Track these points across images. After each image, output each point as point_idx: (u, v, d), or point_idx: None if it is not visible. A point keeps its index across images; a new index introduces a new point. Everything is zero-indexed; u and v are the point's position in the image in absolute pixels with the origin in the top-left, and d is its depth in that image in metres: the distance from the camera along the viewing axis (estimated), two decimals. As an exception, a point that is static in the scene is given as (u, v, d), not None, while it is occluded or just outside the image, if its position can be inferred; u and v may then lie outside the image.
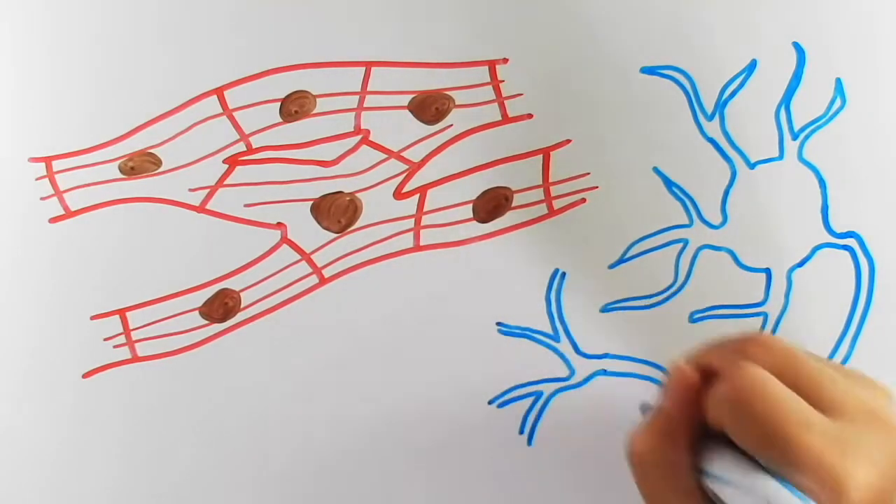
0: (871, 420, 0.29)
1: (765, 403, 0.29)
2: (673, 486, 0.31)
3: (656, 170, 0.37)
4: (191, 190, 0.36)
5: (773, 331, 0.39)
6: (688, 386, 0.31)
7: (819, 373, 0.30)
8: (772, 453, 0.28)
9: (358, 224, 0.37)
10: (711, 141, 0.37)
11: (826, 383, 0.30)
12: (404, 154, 0.37)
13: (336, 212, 0.37)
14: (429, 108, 0.36)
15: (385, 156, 0.36)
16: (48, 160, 0.35)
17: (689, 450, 0.31)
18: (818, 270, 0.38)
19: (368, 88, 0.36)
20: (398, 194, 0.37)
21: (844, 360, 0.39)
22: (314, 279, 0.37)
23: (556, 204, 0.37)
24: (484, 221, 0.37)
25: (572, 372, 0.39)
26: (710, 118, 0.37)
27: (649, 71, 0.36)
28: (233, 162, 0.36)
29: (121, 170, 0.36)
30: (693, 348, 0.33)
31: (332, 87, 0.36)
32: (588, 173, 0.37)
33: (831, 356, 0.39)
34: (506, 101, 0.36)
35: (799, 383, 0.30)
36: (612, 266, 0.38)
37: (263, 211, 0.36)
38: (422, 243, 0.37)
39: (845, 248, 0.38)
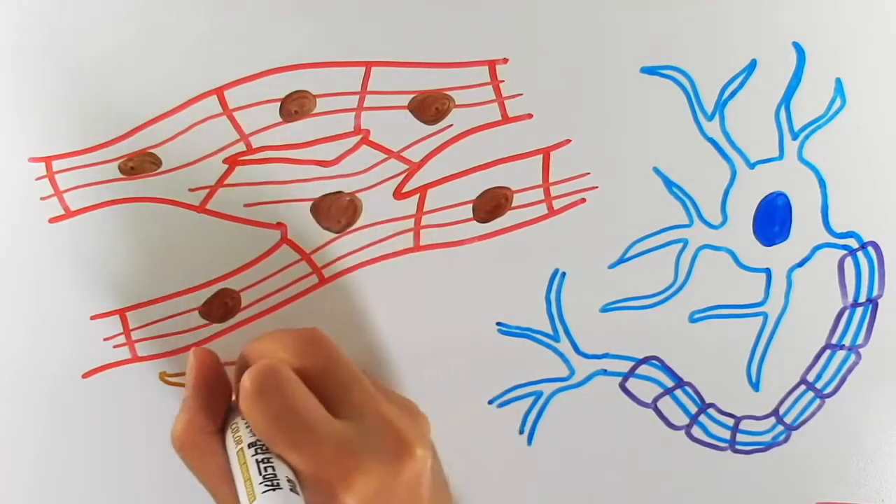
0: (384, 431, 0.30)
1: (275, 401, 0.29)
2: (206, 469, 0.31)
3: (656, 170, 0.37)
4: (191, 190, 0.36)
5: (773, 331, 0.39)
6: (203, 372, 0.31)
7: (351, 377, 0.31)
8: (279, 451, 0.29)
9: (358, 224, 0.37)
10: (711, 141, 0.37)
11: (355, 388, 0.31)
12: (404, 154, 0.37)
13: (336, 212, 0.37)
14: (429, 108, 0.36)
15: (385, 156, 0.36)
16: (48, 160, 0.35)
17: (219, 432, 0.31)
18: (818, 270, 0.38)
19: (368, 88, 0.36)
20: (398, 194, 0.37)
21: (844, 361, 0.39)
22: (314, 279, 0.37)
23: (556, 204, 0.37)
24: (484, 221, 0.37)
25: (572, 372, 0.39)
26: (710, 118, 0.37)
27: (649, 71, 0.36)
28: (233, 162, 0.36)
29: (121, 170, 0.36)
30: (254, 337, 0.33)
31: (332, 87, 0.36)
32: (588, 173, 0.37)
33: (831, 356, 0.39)
34: (506, 101, 0.36)
35: (329, 384, 0.31)
36: (612, 266, 0.38)
37: (263, 211, 0.36)
38: (422, 243, 0.37)
39: (845, 248, 0.38)
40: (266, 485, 0.27)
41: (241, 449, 0.29)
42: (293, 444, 0.28)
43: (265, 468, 0.28)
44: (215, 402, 0.31)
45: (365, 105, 0.36)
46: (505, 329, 0.38)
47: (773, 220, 0.38)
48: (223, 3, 0.35)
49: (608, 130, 0.37)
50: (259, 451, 0.29)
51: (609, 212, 0.37)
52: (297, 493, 0.27)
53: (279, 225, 0.37)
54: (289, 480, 0.28)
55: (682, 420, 0.39)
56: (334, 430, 0.29)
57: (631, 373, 0.39)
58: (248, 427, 0.30)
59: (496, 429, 0.39)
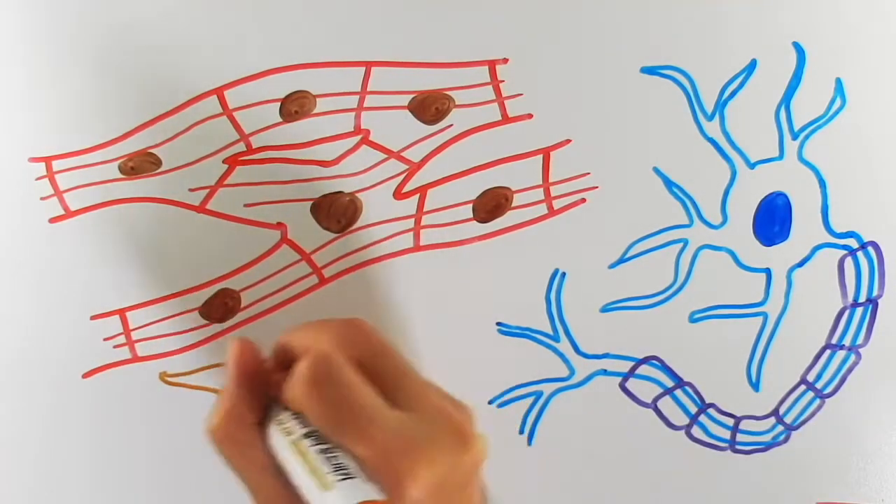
0: (442, 422, 0.30)
1: (333, 390, 0.29)
2: (246, 461, 0.30)
3: (656, 170, 0.37)
4: (191, 190, 0.36)
5: (773, 331, 0.39)
6: (246, 364, 0.31)
7: (402, 367, 0.31)
8: (340, 440, 0.28)
9: (358, 224, 0.37)
10: (711, 141, 0.37)
11: (406, 379, 0.30)
12: (404, 154, 0.37)
13: (336, 212, 0.37)
14: (429, 108, 0.36)
15: (385, 156, 0.36)
16: (48, 160, 0.35)
17: (258, 424, 0.30)
18: (818, 270, 0.38)
19: (368, 88, 0.36)
20: (398, 194, 0.37)
21: (844, 361, 0.39)
22: (314, 279, 0.37)
23: (556, 204, 0.37)
24: (484, 221, 0.37)
25: (572, 372, 0.39)
26: (710, 118, 0.37)
27: (649, 71, 0.36)
28: (233, 162, 0.36)
29: (121, 170, 0.36)
30: (290, 327, 0.32)
31: (332, 87, 0.36)
32: (588, 173, 0.37)
33: (831, 356, 0.39)
34: (506, 101, 0.36)
35: (382, 375, 0.30)
36: (612, 266, 0.38)
37: (263, 211, 0.36)
38: (422, 243, 0.37)
39: (845, 248, 0.38)
40: (340, 474, 0.27)
41: (295, 440, 0.29)
42: (356, 433, 0.28)
43: (331, 458, 0.27)
44: (256, 393, 0.31)
45: (365, 105, 0.36)
46: (505, 329, 0.38)
47: (773, 220, 0.38)
48: (223, 3, 0.35)
49: (608, 130, 0.37)
50: (318, 441, 0.28)
51: (609, 212, 0.37)
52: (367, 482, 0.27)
53: (279, 225, 0.37)
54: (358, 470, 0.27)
55: (682, 420, 0.39)
56: (395, 420, 0.29)
57: (631, 373, 0.39)
58: (295, 418, 0.29)
59: (496, 429, 0.39)
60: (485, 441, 0.30)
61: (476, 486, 0.31)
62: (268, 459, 0.30)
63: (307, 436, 0.28)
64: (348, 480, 0.26)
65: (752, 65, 0.36)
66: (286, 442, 0.29)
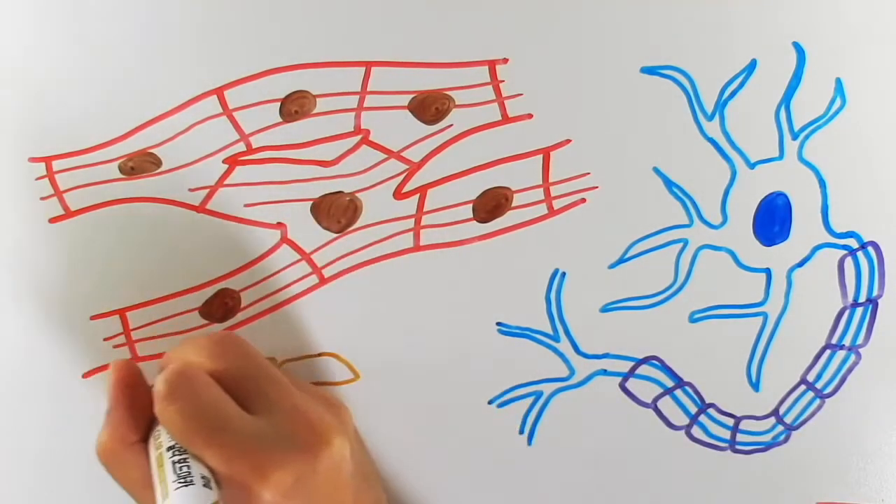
0: (298, 422, 0.30)
1: (187, 402, 0.30)
2: (128, 479, 0.31)
3: (656, 170, 0.37)
4: (191, 190, 0.36)
5: (773, 331, 0.39)
6: (123, 383, 0.32)
7: (264, 374, 0.32)
8: (193, 451, 0.29)
9: (358, 224, 0.37)
10: (711, 141, 0.37)
11: (268, 384, 0.31)
12: (404, 154, 0.37)
13: (336, 212, 0.37)
14: (429, 108, 0.36)
15: (385, 156, 0.36)
16: (48, 160, 0.35)
17: (142, 441, 0.31)
18: (818, 270, 0.38)
19: (368, 88, 0.36)
20: (398, 194, 0.37)
21: (844, 361, 0.39)
22: (314, 279, 0.37)
23: (556, 204, 0.37)
24: (484, 221, 0.37)
25: (572, 372, 0.39)
26: (710, 118, 0.37)
27: (649, 71, 0.36)
28: (233, 162, 0.36)
29: (121, 170, 0.36)
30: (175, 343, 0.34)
31: (332, 87, 0.36)
32: (588, 173, 0.37)
33: (831, 356, 0.39)
34: (506, 101, 0.36)
35: (244, 383, 0.31)
36: (612, 266, 0.38)
37: (263, 211, 0.37)
38: (422, 243, 0.37)
39: (845, 248, 0.38)
40: (179, 482, 0.28)
41: (161, 453, 0.30)
42: (206, 442, 0.29)
43: (180, 467, 0.28)
44: (137, 413, 0.32)
45: (365, 105, 0.36)
46: (505, 329, 0.38)
47: (773, 220, 0.38)
48: (223, 2, 0.35)
49: (608, 130, 0.37)
50: (177, 453, 0.29)
51: (609, 212, 0.37)
52: (209, 488, 0.28)
53: (279, 225, 0.37)
54: (202, 477, 0.28)
55: (682, 420, 0.39)
56: (246, 426, 0.30)
57: (631, 373, 0.39)
58: (167, 433, 0.30)
59: (496, 429, 0.39)
60: (344, 440, 0.31)
61: (346, 482, 0.31)
62: (149, 475, 0.30)
63: (170, 448, 0.29)
64: (184, 487, 0.27)
65: (752, 65, 0.36)
66: (154, 455, 0.30)
